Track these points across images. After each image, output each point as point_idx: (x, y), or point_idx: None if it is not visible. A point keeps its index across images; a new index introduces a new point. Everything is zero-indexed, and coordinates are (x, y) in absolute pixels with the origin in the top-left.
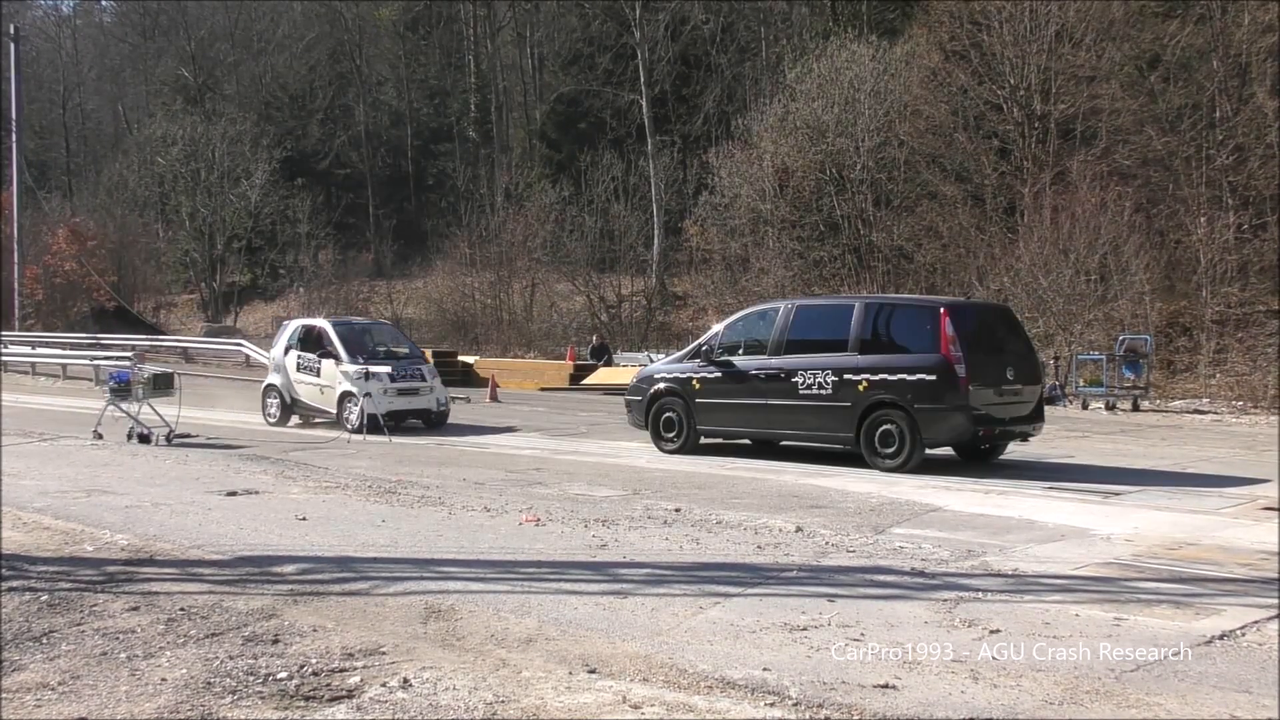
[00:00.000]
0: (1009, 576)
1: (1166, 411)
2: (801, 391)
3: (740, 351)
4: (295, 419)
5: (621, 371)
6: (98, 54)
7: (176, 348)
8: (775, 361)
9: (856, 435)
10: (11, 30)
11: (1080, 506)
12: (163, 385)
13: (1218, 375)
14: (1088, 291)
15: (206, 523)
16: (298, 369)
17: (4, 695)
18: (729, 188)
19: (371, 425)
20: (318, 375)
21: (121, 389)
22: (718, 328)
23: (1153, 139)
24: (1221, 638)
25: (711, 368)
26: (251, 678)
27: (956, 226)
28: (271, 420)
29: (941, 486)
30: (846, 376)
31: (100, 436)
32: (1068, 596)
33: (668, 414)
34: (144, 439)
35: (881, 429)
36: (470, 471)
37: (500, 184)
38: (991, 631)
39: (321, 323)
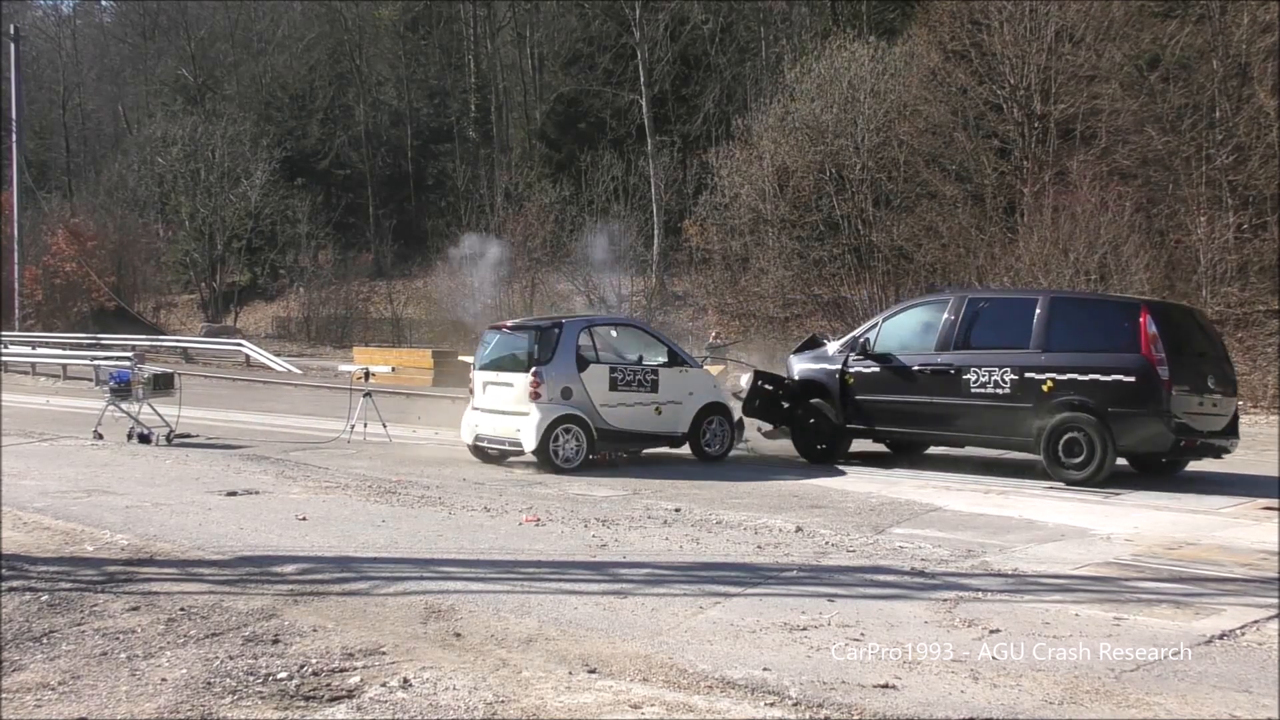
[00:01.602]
0: (1009, 576)
1: None
2: (974, 390)
3: (902, 346)
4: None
5: None
6: (98, 54)
7: (176, 348)
8: (943, 357)
9: (1038, 439)
10: (11, 30)
11: (1080, 506)
12: (163, 385)
13: None
14: (1088, 291)
15: (207, 523)
16: (613, 386)
17: (4, 695)
18: (729, 187)
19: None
20: (653, 390)
21: (122, 389)
22: (877, 319)
23: (1153, 139)
24: (1221, 637)
25: (868, 361)
26: (252, 678)
27: (956, 226)
28: (568, 464)
29: (941, 486)
30: (1029, 375)
31: (100, 436)
32: (1068, 596)
33: (816, 407)
34: (144, 439)
35: (1067, 437)
36: (470, 471)
37: (500, 184)
38: (991, 631)
39: (620, 320)
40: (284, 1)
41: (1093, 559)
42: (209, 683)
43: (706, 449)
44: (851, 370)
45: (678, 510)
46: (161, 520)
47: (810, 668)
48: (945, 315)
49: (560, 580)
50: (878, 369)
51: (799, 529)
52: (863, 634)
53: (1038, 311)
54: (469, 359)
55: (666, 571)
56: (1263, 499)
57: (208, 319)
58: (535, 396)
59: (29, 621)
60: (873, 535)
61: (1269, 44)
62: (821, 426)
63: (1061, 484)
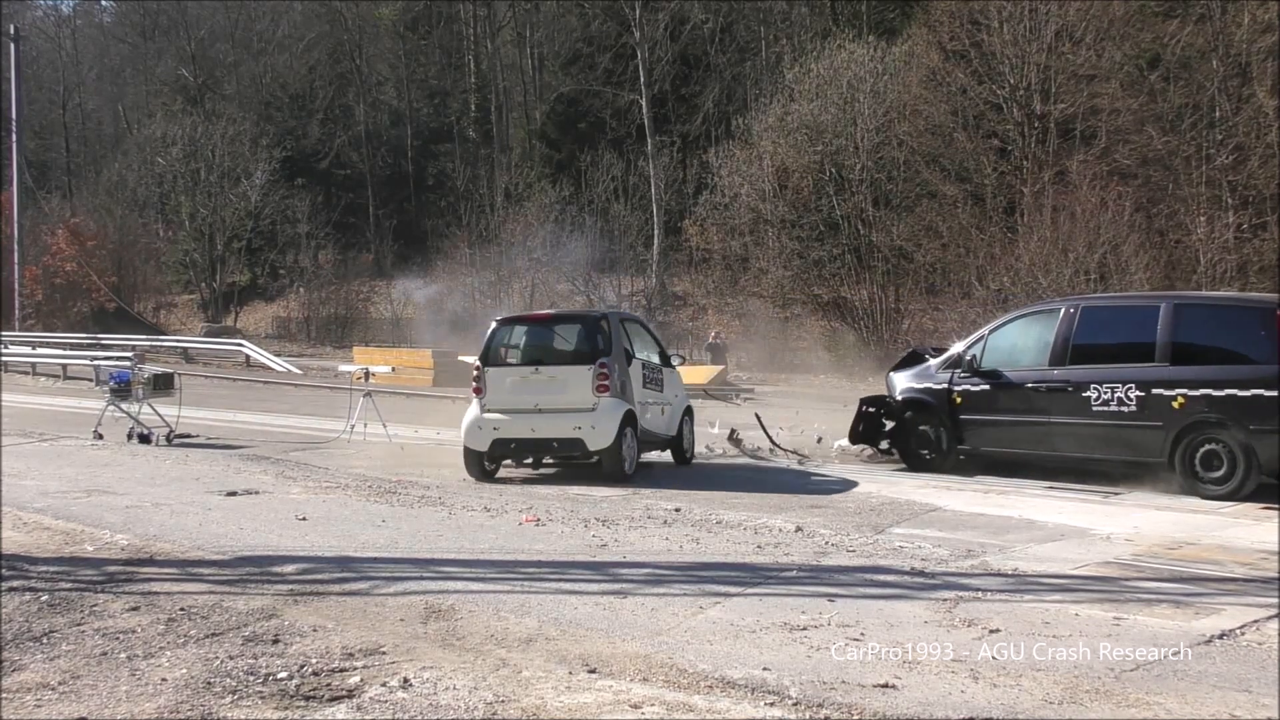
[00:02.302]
0: (1009, 576)
1: None
2: (1095, 409)
3: (1011, 361)
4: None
5: None
6: (98, 54)
7: (177, 348)
8: (1059, 373)
9: (1170, 460)
10: (11, 30)
11: (1080, 506)
12: (163, 385)
13: None
14: (1088, 291)
15: (207, 523)
16: (644, 384)
17: (4, 695)
18: (729, 187)
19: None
20: (661, 389)
21: (122, 389)
22: (982, 332)
23: (1153, 139)
24: (1221, 637)
25: (976, 379)
26: (252, 678)
27: (956, 226)
28: (628, 465)
29: (941, 486)
30: (1156, 392)
31: (100, 437)
32: (1068, 596)
33: (923, 428)
34: (144, 439)
35: (1205, 449)
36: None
37: (500, 184)
38: (991, 631)
39: (633, 316)
40: (284, 1)
41: (1093, 559)
42: (209, 683)
43: (685, 452)
44: (959, 389)
45: (678, 510)
46: (161, 520)
47: (810, 667)
48: (1057, 326)
49: (560, 580)
50: (988, 387)
51: (799, 529)
52: (863, 634)
53: (1161, 319)
54: (470, 359)
55: (666, 571)
56: (1262, 499)
57: (208, 319)
58: (605, 390)
59: (29, 621)
60: (873, 535)
61: (1269, 44)
62: (932, 441)
63: (1199, 498)
